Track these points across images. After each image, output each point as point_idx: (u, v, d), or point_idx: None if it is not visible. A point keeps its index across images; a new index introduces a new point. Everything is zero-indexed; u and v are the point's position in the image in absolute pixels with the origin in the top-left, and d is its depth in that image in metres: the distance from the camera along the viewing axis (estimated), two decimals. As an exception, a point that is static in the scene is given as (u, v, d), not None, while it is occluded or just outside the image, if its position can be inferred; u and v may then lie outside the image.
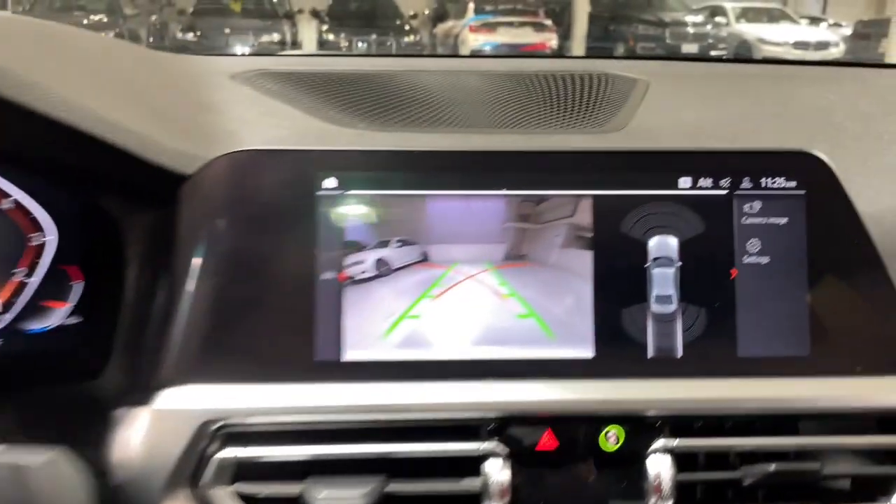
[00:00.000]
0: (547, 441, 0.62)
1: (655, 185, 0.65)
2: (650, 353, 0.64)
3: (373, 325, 0.63)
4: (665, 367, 0.63)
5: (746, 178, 0.65)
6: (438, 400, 0.61)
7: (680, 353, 0.64)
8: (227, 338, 0.61)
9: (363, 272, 0.63)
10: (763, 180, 0.65)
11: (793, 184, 0.65)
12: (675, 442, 0.62)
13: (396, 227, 0.64)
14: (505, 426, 0.61)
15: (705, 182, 0.65)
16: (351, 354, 0.62)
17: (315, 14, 11.57)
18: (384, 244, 0.64)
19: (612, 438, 0.63)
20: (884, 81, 0.93)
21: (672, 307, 0.64)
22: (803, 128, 0.74)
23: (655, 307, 0.64)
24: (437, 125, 0.71)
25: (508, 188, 0.64)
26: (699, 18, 12.17)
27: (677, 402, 0.63)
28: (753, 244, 0.65)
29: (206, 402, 0.59)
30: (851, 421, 0.65)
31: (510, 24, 11.37)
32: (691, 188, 0.65)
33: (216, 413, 0.59)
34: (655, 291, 0.64)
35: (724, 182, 0.65)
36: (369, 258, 0.63)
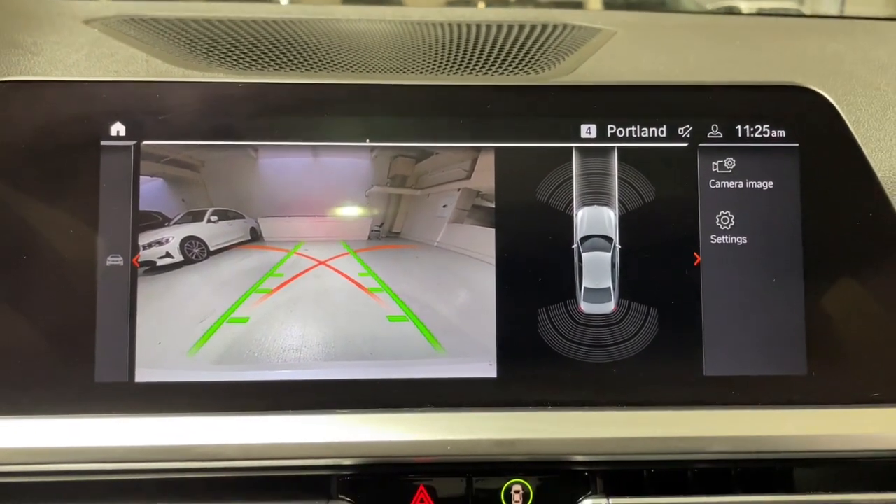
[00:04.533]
0: (422, 502, 0.43)
1: (586, 135, 0.46)
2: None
3: (179, 331, 0.44)
4: (598, 391, 0.44)
5: (715, 125, 0.46)
6: (269, 440, 0.43)
7: (620, 371, 0.45)
8: None
9: (166, 256, 0.44)
10: (739, 128, 0.46)
11: (781, 132, 0.46)
12: (608, 502, 0.43)
13: (214, 192, 0.45)
14: (363, 479, 0.43)
15: (656, 130, 0.46)
16: (147, 374, 0.44)
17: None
18: (196, 216, 0.45)
19: (517, 497, 0.44)
20: None
21: (609, 306, 0.45)
22: (801, 68, 0.55)
23: (586, 306, 0.45)
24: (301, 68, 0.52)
25: (375, 138, 0.46)
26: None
27: (614, 442, 0.44)
28: (725, 218, 0.46)
29: None
30: (864, 469, 0.46)
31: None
32: (636, 138, 0.46)
33: None
34: (586, 284, 0.45)
35: (684, 130, 0.46)
36: (175, 236, 0.45)
